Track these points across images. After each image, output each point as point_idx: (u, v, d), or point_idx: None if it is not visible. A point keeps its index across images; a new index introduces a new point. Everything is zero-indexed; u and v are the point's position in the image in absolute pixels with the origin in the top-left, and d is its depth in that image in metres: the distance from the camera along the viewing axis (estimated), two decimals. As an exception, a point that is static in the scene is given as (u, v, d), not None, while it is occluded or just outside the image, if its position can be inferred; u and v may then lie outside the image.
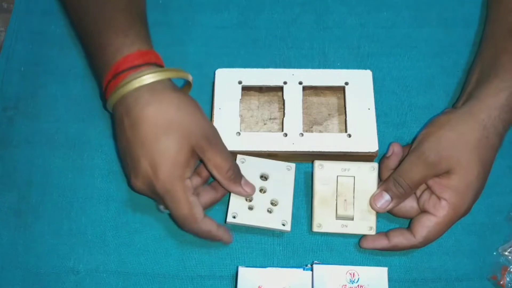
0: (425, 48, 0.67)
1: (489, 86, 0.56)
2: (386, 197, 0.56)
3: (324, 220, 0.57)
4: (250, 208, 0.57)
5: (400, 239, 0.55)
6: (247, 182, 0.57)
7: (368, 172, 0.58)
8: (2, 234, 0.59)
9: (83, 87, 0.65)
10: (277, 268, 0.55)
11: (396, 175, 0.56)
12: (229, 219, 0.57)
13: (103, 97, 0.56)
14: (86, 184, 0.61)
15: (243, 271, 0.55)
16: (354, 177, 0.58)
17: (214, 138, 0.54)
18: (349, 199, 0.57)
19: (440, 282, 0.57)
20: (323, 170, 0.58)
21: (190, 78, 0.57)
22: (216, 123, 0.60)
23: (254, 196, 0.58)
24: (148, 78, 0.52)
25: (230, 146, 0.59)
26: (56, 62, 0.67)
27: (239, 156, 0.59)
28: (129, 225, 0.59)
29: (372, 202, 0.57)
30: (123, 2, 0.57)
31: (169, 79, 0.55)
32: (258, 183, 0.58)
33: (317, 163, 0.58)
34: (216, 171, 0.54)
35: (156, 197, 0.54)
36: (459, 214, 0.54)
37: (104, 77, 0.55)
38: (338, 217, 0.57)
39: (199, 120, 0.53)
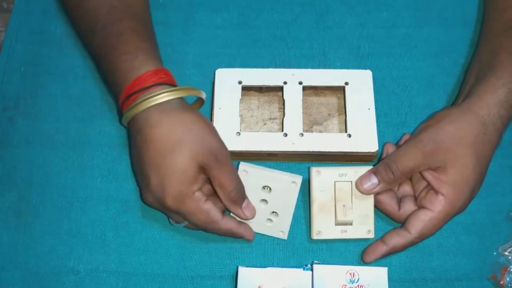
0: (425, 48, 0.67)
1: (487, 84, 0.57)
2: (374, 179, 0.56)
3: (324, 227, 0.57)
4: None
5: (396, 239, 0.55)
6: (249, 206, 0.57)
7: None
8: (2, 234, 0.59)
9: (83, 87, 0.65)
10: (277, 268, 0.55)
11: (389, 160, 0.56)
12: None
13: (120, 114, 0.59)
14: (86, 184, 0.61)
15: (243, 271, 0.55)
16: (351, 181, 0.57)
17: (221, 156, 0.54)
18: (348, 204, 0.57)
19: (440, 282, 0.57)
20: (320, 177, 0.57)
21: (203, 95, 0.58)
22: (216, 123, 0.60)
23: (256, 206, 0.57)
24: (157, 99, 0.54)
25: (230, 146, 0.59)
26: (56, 62, 0.67)
27: (241, 166, 0.56)
28: (129, 225, 0.59)
29: (358, 182, 0.57)
30: (132, 23, 0.58)
31: (181, 98, 0.56)
32: (260, 194, 0.57)
33: (314, 170, 0.57)
34: (219, 189, 0.55)
35: (167, 212, 0.56)
36: (455, 209, 0.54)
37: (118, 97, 0.57)
38: (337, 223, 0.57)
39: (207, 138, 0.54)
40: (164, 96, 0.54)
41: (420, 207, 0.55)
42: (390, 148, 0.59)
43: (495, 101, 0.55)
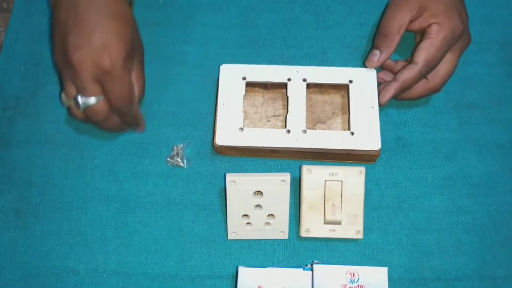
0: (425, 48, 0.67)
1: None
2: (376, 52, 0.62)
3: (312, 225, 0.57)
4: (248, 224, 0.57)
5: (406, 73, 0.60)
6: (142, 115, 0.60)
7: (355, 177, 0.57)
8: (2, 234, 0.59)
9: (83, 87, 0.65)
10: (277, 268, 0.55)
11: (379, 30, 0.62)
12: (230, 236, 0.58)
13: None
14: (86, 184, 0.61)
15: (243, 271, 0.55)
16: (342, 181, 0.57)
17: (141, 48, 0.58)
18: (337, 203, 0.57)
19: (440, 282, 0.57)
20: (311, 175, 0.58)
21: None
22: (220, 118, 0.60)
23: (251, 213, 0.57)
24: None
25: (233, 142, 0.59)
26: (56, 62, 0.67)
27: (228, 177, 0.55)
28: (129, 225, 0.59)
29: (366, 63, 0.63)
30: None
31: None
32: (253, 200, 0.56)
33: (304, 168, 0.58)
34: (136, 81, 0.56)
35: (91, 75, 0.53)
36: (450, 30, 0.59)
37: None
38: (326, 222, 0.57)
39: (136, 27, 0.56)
40: None
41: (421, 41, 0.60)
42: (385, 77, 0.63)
43: None
